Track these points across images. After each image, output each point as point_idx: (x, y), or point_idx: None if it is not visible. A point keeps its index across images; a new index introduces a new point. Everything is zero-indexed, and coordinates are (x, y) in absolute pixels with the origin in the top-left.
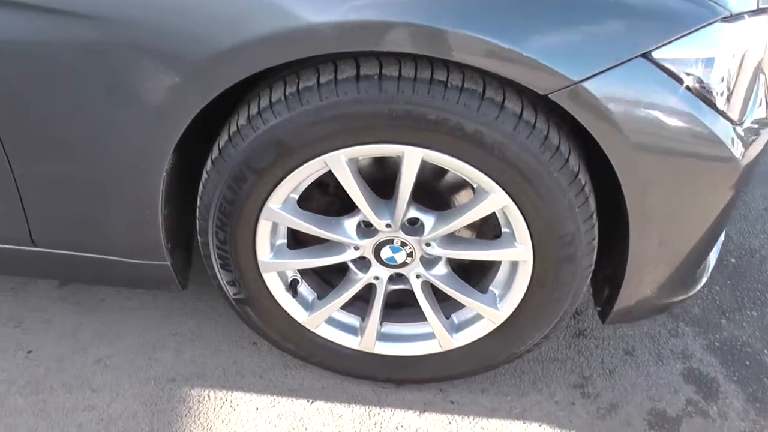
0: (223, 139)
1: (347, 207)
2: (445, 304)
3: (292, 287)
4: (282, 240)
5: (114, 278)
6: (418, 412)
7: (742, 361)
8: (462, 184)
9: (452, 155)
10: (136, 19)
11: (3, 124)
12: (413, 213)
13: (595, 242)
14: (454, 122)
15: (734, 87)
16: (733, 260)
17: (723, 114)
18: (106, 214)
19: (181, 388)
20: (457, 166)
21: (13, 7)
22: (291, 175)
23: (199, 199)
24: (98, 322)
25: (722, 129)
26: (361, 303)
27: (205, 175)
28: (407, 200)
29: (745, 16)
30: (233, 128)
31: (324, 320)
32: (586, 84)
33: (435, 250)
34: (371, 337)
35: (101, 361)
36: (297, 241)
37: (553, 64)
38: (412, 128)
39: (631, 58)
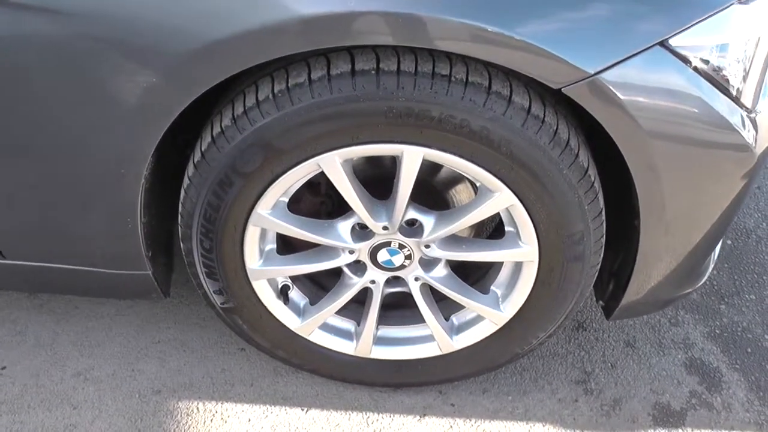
0: (206, 141)
1: (340, 207)
2: (444, 304)
3: (283, 293)
4: (271, 245)
5: (91, 289)
6: (418, 417)
7: (743, 348)
8: (459, 179)
9: (456, 154)
10: (108, 13)
11: None
12: (412, 214)
13: (603, 240)
14: (459, 119)
15: (748, 73)
16: (729, 242)
17: (737, 101)
18: (80, 224)
19: (167, 400)
20: (460, 165)
21: None
22: (281, 178)
23: (181, 205)
24: (75, 331)
25: (737, 117)
26: (355, 306)
27: (187, 180)
28: (406, 202)
29: None
30: (217, 129)
31: (317, 326)
32: (601, 76)
33: (435, 251)
34: (367, 342)
35: (81, 375)
36: (286, 244)
37: (567, 56)
38: (414, 126)
39: (649, 47)
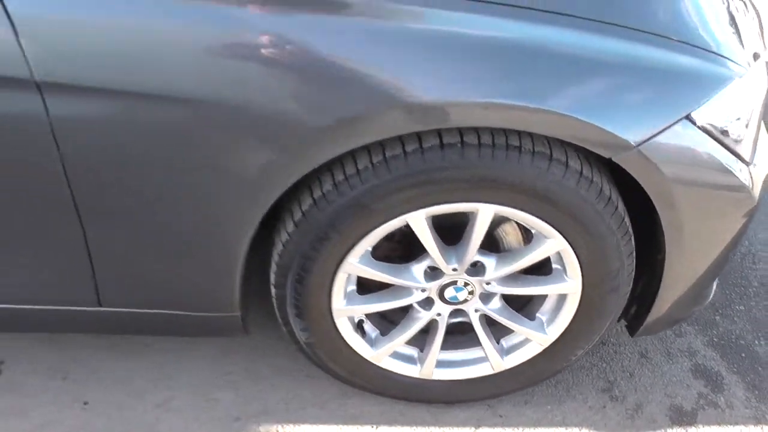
0: (307, 203)
1: (409, 251)
2: (494, 329)
3: (359, 327)
4: (352, 287)
5: (179, 330)
6: (472, 429)
7: (738, 354)
8: (506, 221)
9: (522, 209)
10: (231, 101)
11: (82, 195)
12: (477, 257)
13: (633, 272)
14: (528, 183)
15: (746, 134)
16: None
17: (740, 157)
18: (184, 277)
19: (247, 426)
20: (523, 218)
21: (108, 96)
22: (372, 232)
23: (278, 256)
24: (147, 366)
25: (737, 167)
26: (418, 334)
27: (285, 236)
28: (476, 248)
29: (749, 65)
30: (318, 193)
31: (388, 354)
32: (642, 147)
33: (494, 287)
34: (430, 366)
35: (161, 406)
36: (360, 284)
37: (617, 131)
38: (490, 189)
39: (678, 121)
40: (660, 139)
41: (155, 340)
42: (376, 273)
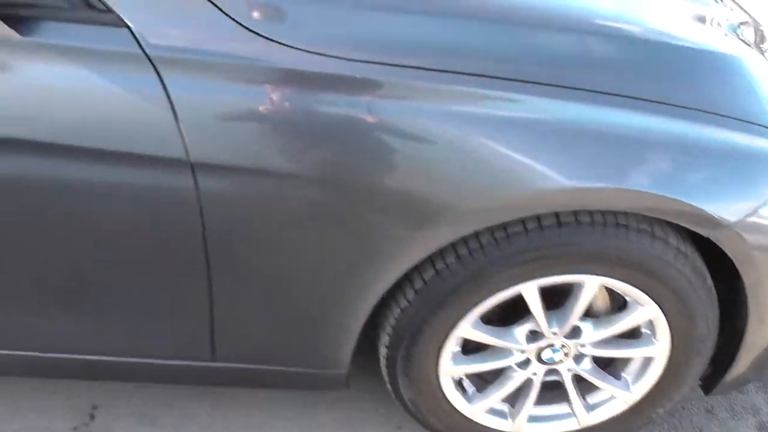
0: (429, 273)
1: (510, 315)
2: (580, 386)
3: (459, 385)
4: (458, 348)
5: (283, 384)
6: None
7: None
8: None
9: (624, 281)
10: (367, 183)
11: (217, 263)
12: (576, 322)
13: (716, 337)
14: (633, 258)
15: None
16: None
17: None
18: (301, 339)
19: None
20: (623, 288)
21: (253, 174)
22: (487, 300)
23: (394, 320)
24: (236, 414)
25: None
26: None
27: (405, 302)
28: (579, 315)
29: None
30: (440, 265)
31: (484, 410)
32: (736, 225)
33: (587, 350)
34: (522, 421)
35: None
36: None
37: (718, 213)
38: (599, 263)
39: (766, 203)
40: (751, 217)
41: (243, 390)
42: (484, 336)
